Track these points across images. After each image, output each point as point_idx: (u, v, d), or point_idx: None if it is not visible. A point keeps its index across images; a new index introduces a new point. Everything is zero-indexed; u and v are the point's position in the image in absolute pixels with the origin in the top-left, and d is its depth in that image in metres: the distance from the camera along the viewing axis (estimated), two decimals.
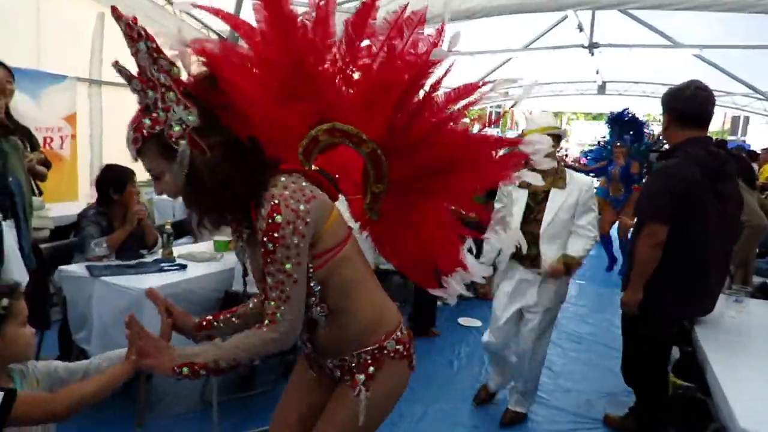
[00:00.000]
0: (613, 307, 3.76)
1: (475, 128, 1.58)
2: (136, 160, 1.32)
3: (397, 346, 1.48)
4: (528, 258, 2.81)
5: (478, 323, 4.64)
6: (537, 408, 3.25)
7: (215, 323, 1.57)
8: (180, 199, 1.36)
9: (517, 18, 6.47)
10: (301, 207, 1.27)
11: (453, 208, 1.60)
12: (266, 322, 1.30)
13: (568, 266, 2.78)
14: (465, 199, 1.59)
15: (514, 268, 2.94)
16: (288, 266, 1.26)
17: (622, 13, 6.79)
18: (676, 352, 2.78)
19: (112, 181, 3.07)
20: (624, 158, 6.50)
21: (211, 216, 1.37)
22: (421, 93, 1.44)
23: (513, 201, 2.86)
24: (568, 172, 2.87)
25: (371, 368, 1.44)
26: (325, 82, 1.39)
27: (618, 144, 6.76)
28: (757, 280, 3.62)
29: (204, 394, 3.04)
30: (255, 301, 1.59)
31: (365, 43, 1.42)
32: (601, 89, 10.40)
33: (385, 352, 1.46)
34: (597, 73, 10.01)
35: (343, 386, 1.48)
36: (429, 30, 1.44)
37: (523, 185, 2.73)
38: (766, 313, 2.92)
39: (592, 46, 8.05)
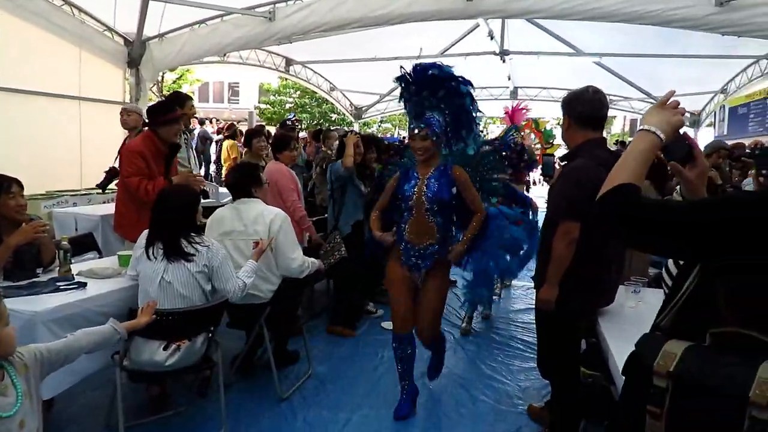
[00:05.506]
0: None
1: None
2: None
3: None
4: None
5: None
6: (464, 402, 3.34)
7: None
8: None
9: (433, 25, 6.61)
10: None
11: None
12: None
13: None
14: None
15: None
16: None
17: (529, 22, 7.16)
18: (582, 344, 2.91)
19: None
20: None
21: None
22: None
23: None
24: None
25: None
26: None
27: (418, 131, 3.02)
28: (652, 270, 3.85)
29: (110, 419, 2.83)
30: None
31: None
32: (513, 94, 10.90)
33: None
34: (509, 78, 10.47)
35: None
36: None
37: None
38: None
39: (503, 53, 8.42)
